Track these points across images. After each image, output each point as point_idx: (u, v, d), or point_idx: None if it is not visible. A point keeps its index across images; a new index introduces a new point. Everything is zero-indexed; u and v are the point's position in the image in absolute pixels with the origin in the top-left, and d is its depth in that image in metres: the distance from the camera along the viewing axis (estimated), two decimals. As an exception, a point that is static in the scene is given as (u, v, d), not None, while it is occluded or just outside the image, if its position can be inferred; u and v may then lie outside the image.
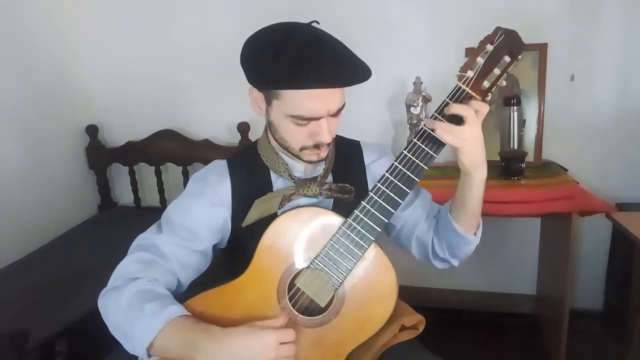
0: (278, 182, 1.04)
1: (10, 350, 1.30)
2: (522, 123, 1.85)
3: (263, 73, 0.89)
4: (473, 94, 0.89)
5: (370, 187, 0.97)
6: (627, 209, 1.84)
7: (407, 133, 2.00)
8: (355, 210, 0.91)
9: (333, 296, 0.94)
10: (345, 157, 1.09)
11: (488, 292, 2.27)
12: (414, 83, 1.92)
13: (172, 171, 2.37)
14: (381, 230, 0.91)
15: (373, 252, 0.93)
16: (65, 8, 2.22)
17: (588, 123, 1.96)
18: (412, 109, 1.91)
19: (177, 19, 2.22)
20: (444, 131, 0.87)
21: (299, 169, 1.04)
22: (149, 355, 0.88)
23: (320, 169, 1.04)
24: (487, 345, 2.05)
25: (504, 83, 0.91)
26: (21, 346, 1.32)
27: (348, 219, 0.92)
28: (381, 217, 0.91)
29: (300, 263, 0.94)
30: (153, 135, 2.28)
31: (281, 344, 0.85)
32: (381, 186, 0.91)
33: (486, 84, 0.89)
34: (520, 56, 0.90)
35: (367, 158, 1.11)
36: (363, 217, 0.91)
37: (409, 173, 0.91)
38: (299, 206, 0.98)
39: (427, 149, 0.90)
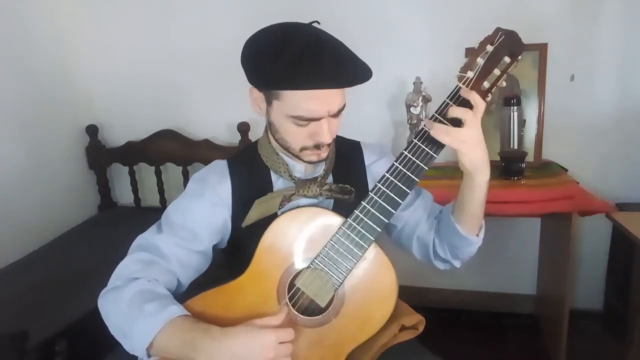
0: (278, 183, 1.04)
1: (10, 350, 1.30)
2: (522, 123, 1.85)
3: (263, 73, 0.89)
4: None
5: (370, 187, 0.97)
6: (627, 209, 1.84)
7: (407, 133, 2.00)
8: (355, 211, 0.91)
9: (333, 296, 0.94)
10: (346, 157, 1.09)
11: (488, 292, 2.27)
12: (414, 83, 1.92)
13: (172, 171, 2.37)
14: (381, 231, 0.91)
15: (373, 252, 0.94)
16: (65, 8, 2.22)
17: (588, 123, 1.96)
18: (412, 109, 1.91)
19: (177, 19, 2.22)
20: (440, 133, 0.87)
21: (299, 170, 1.04)
22: (149, 355, 0.88)
23: (320, 170, 1.04)
24: (487, 345, 2.05)
25: (504, 84, 0.91)
26: (21, 346, 1.32)
27: (348, 219, 0.92)
28: (381, 217, 0.91)
29: (300, 263, 0.94)
30: (153, 135, 2.28)
31: (280, 343, 0.85)
32: (381, 186, 0.91)
33: (486, 84, 0.89)
34: (520, 57, 0.90)
35: (368, 158, 1.11)
36: (363, 217, 0.91)
37: (409, 173, 0.91)
38: (299, 206, 0.98)
39: (427, 149, 0.90)
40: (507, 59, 0.89)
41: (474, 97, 0.87)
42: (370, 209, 0.91)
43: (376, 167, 1.09)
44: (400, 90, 2.02)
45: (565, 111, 1.95)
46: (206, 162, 1.13)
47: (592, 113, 1.95)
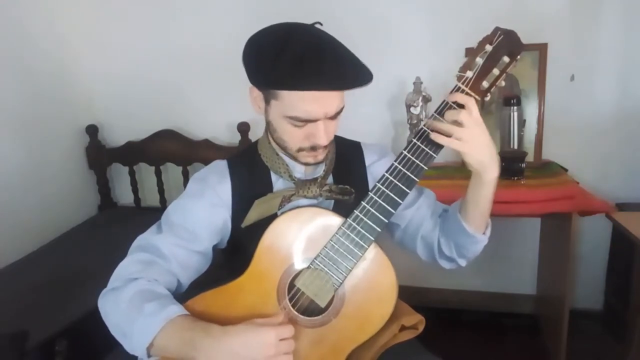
0: (278, 183, 1.04)
1: (10, 350, 1.30)
2: (522, 123, 1.85)
3: (262, 73, 0.90)
4: (472, 94, 0.89)
5: (371, 188, 0.97)
6: (627, 209, 1.84)
7: (407, 133, 2.00)
8: (355, 211, 0.91)
9: (333, 296, 0.94)
10: (346, 158, 1.09)
11: (488, 292, 2.27)
12: (414, 83, 1.92)
13: (172, 171, 2.37)
14: (381, 231, 0.91)
15: (373, 252, 0.93)
16: (65, 8, 2.22)
17: (588, 123, 1.96)
18: (412, 109, 1.91)
19: (177, 19, 2.22)
20: (440, 136, 0.88)
21: (300, 170, 1.04)
22: (149, 355, 0.88)
23: (320, 170, 1.04)
24: (487, 345, 2.05)
25: (503, 83, 0.92)
26: (21, 346, 1.32)
27: (348, 219, 0.92)
28: (381, 217, 0.91)
29: (300, 263, 0.94)
30: (153, 135, 2.28)
31: (280, 340, 0.85)
32: (381, 186, 0.91)
33: (485, 84, 0.89)
34: (519, 56, 0.90)
35: (368, 159, 1.11)
36: (363, 217, 0.91)
37: (408, 173, 0.91)
38: (298, 207, 0.98)
39: (426, 149, 0.90)
40: (506, 59, 0.89)
41: (460, 97, 0.88)
42: (370, 209, 0.91)
43: (377, 168, 1.09)
44: (400, 90, 2.02)
45: (565, 111, 1.95)
46: (206, 162, 1.13)
47: (592, 113, 1.95)
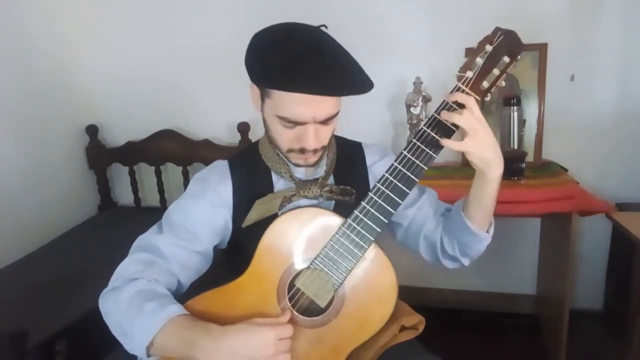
0: (279, 183, 1.04)
1: (10, 350, 1.30)
2: (522, 123, 1.85)
3: (256, 70, 0.90)
4: (472, 94, 0.89)
5: (372, 188, 0.97)
6: (627, 209, 1.84)
7: (407, 133, 2.00)
8: (355, 211, 0.91)
9: (333, 297, 0.94)
10: (347, 158, 1.09)
11: (488, 292, 2.27)
12: (414, 83, 1.92)
13: (172, 171, 2.37)
14: (381, 231, 0.91)
15: (373, 253, 0.93)
16: (65, 8, 2.22)
17: (588, 123, 1.96)
18: (412, 109, 1.91)
19: (177, 19, 2.22)
20: (449, 141, 0.88)
21: (300, 170, 1.03)
22: (148, 355, 0.88)
23: (321, 171, 1.04)
24: (487, 345, 2.05)
25: (503, 83, 0.92)
26: (21, 346, 1.32)
27: (348, 220, 0.92)
28: (381, 217, 0.91)
29: (300, 263, 0.94)
30: (153, 135, 2.28)
31: (279, 340, 0.85)
32: (381, 186, 0.91)
33: (485, 84, 0.89)
34: (519, 56, 0.90)
35: (369, 159, 1.11)
36: (363, 217, 0.91)
37: (408, 173, 0.91)
38: (299, 207, 0.98)
39: (427, 149, 0.90)
40: (506, 59, 0.89)
41: (460, 97, 0.88)
42: (370, 209, 0.91)
43: (378, 168, 1.09)
44: (400, 90, 2.02)
45: (565, 111, 1.95)
46: (206, 162, 1.13)
47: (592, 113, 1.95)
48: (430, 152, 0.90)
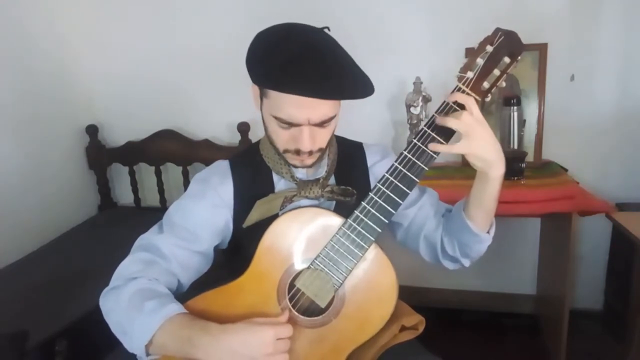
0: (280, 183, 1.04)
1: (10, 350, 1.30)
2: (522, 123, 1.85)
3: (256, 69, 0.90)
4: (473, 94, 0.89)
5: (373, 188, 0.97)
6: (627, 209, 1.84)
7: (407, 133, 2.00)
8: (355, 211, 0.91)
9: (333, 297, 0.94)
10: (348, 158, 1.09)
11: (488, 292, 2.27)
12: (414, 83, 1.92)
13: (172, 171, 2.37)
14: (381, 231, 0.91)
15: (373, 253, 0.93)
16: (65, 8, 2.22)
17: (588, 123, 1.96)
18: (412, 109, 1.91)
19: (177, 19, 2.22)
20: (439, 146, 0.88)
21: (301, 171, 1.03)
22: (148, 354, 0.88)
23: (322, 171, 1.04)
24: (487, 345, 2.05)
25: (504, 84, 0.92)
26: (21, 346, 1.32)
27: (348, 220, 0.92)
28: (381, 217, 0.91)
29: (300, 264, 0.94)
30: (153, 135, 2.28)
31: (278, 339, 0.85)
32: (381, 187, 0.91)
33: (486, 84, 0.89)
34: (519, 57, 0.90)
35: (370, 159, 1.11)
36: (363, 217, 0.91)
37: (409, 174, 0.91)
38: (299, 207, 0.98)
39: (427, 149, 0.90)
40: (506, 59, 0.89)
41: (459, 97, 0.88)
42: (370, 209, 0.91)
43: (379, 168, 1.09)
44: (400, 90, 2.02)
45: (565, 111, 1.95)
46: (206, 162, 1.13)
47: (592, 113, 1.95)
48: (431, 153, 0.90)
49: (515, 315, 2.22)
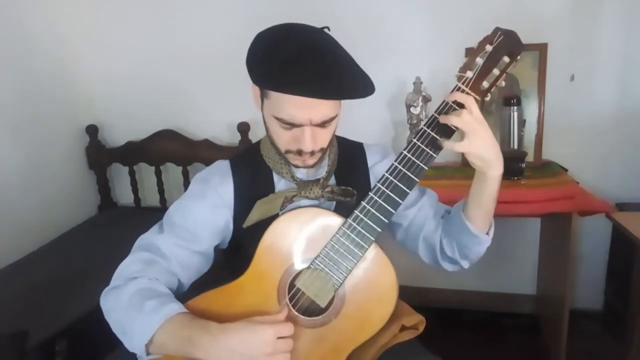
0: (280, 184, 1.04)
1: (10, 350, 1.30)
2: (522, 123, 1.85)
3: (256, 70, 0.90)
4: (472, 94, 0.89)
5: (373, 189, 0.97)
6: (627, 209, 1.84)
7: (407, 133, 2.00)
8: (355, 211, 0.91)
9: (333, 297, 0.94)
10: (349, 159, 1.09)
11: (488, 292, 2.27)
12: (414, 83, 1.92)
13: (172, 171, 2.37)
14: (381, 231, 0.91)
15: (373, 252, 0.93)
16: (65, 8, 2.22)
17: (588, 123, 1.96)
18: (412, 109, 1.91)
19: (177, 19, 2.22)
20: (449, 142, 0.88)
21: (302, 171, 1.03)
22: (148, 353, 0.88)
23: (323, 171, 1.04)
24: (487, 345, 2.06)
25: (503, 83, 0.92)
26: (21, 346, 1.32)
27: (348, 219, 0.92)
28: (381, 217, 0.91)
29: (300, 263, 0.94)
30: (153, 135, 2.28)
31: (279, 338, 0.85)
32: (381, 186, 0.91)
33: (485, 84, 0.89)
34: (519, 57, 0.90)
35: (371, 160, 1.11)
36: (363, 217, 0.91)
37: (409, 173, 0.91)
38: (299, 207, 0.98)
39: (427, 149, 0.90)
40: (506, 59, 0.89)
41: (459, 97, 0.87)
42: (370, 209, 0.91)
43: (379, 169, 1.08)
44: (400, 90, 2.02)
45: (565, 111, 1.95)
46: (206, 162, 1.13)
47: (592, 113, 1.95)
48: (431, 152, 0.90)
49: (515, 315, 2.22)
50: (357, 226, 0.91)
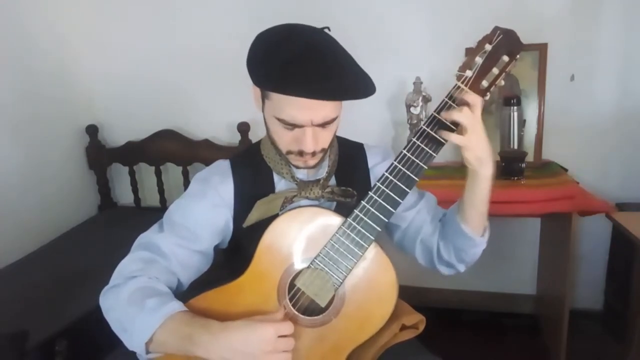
0: (280, 184, 1.04)
1: (10, 350, 1.30)
2: (522, 123, 1.85)
3: (256, 71, 0.90)
4: (472, 93, 0.89)
5: (373, 190, 0.97)
6: (627, 209, 1.84)
7: (407, 133, 2.00)
8: (355, 210, 0.91)
9: (333, 296, 0.94)
10: (349, 159, 1.09)
11: (488, 292, 2.27)
12: (414, 83, 1.92)
13: (172, 171, 2.37)
14: (381, 230, 0.91)
15: (373, 252, 0.93)
16: (65, 8, 2.22)
17: (588, 123, 1.96)
18: (412, 109, 1.91)
19: (177, 19, 2.22)
20: (444, 132, 0.88)
21: (302, 171, 1.03)
22: (147, 352, 0.88)
23: (323, 172, 1.04)
24: (487, 345, 2.05)
25: (503, 82, 0.92)
26: (21, 346, 1.32)
27: (348, 219, 0.92)
28: (381, 216, 0.91)
29: (300, 263, 0.94)
30: (153, 135, 2.28)
31: (279, 337, 0.85)
32: (381, 186, 0.91)
33: (485, 83, 0.89)
34: (518, 56, 0.90)
35: (371, 161, 1.11)
36: (363, 216, 0.91)
37: (408, 173, 0.91)
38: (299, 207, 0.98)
39: (426, 148, 0.90)
40: (505, 58, 0.89)
41: (469, 97, 0.88)
42: (370, 208, 0.91)
43: (379, 170, 1.08)
44: (400, 90, 2.02)
45: (565, 111, 1.95)
46: (206, 162, 1.13)
47: (592, 113, 1.95)
48: (430, 152, 0.90)
49: (515, 315, 2.22)
50: (357, 225, 0.91)
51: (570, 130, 1.97)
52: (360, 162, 1.10)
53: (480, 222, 1.01)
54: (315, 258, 0.93)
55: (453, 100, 0.89)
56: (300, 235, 0.94)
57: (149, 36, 2.25)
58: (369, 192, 0.92)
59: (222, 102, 2.21)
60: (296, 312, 0.94)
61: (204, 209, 1.00)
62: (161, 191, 2.36)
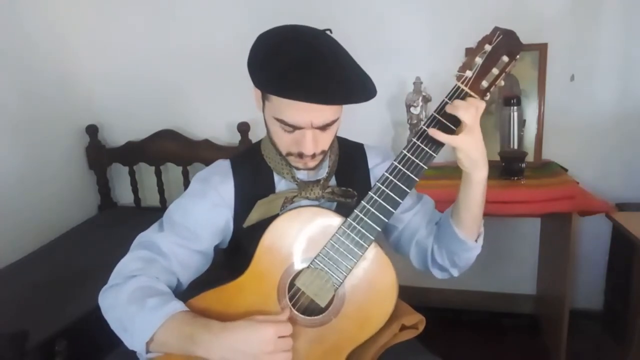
0: (281, 184, 1.04)
1: (10, 350, 1.30)
2: (522, 123, 1.85)
3: (257, 73, 0.90)
4: (472, 93, 0.89)
5: (373, 190, 0.97)
6: (627, 209, 1.84)
7: (407, 133, 2.00)
8: (355, 210, 0.91)
9: (333, 296, 0.94)
10: (349, 160, 1.09)
11: (488, 292, 2.27)
12: (414, 83, 1.92)
13: (172, 171, 2.37)
14: (381, 230, 0.91)
15: (373, 252, 0.94)
16: (65, 8, 2.22)
17: (588, 123, 1.96)
18: (412, 109, 1.91)
19: (177, 19, 2.22)
20: (438, 133, 0.87)
21: (302, 171, 1.03)
22: (147, 351, 0.88)
23: (323, 172, 1.04)
24: (487, 345, 2.06)
25: (503, 83, 0.91)
26: (21, 346, 1.32)
27: (348, 219, 0.92)
28: (381, 216, 0.91)
29: (300, 263, 0.94)
30: (153, 135, 2.29)
31: (279, 337, 0.85)
32: (381, 186, 0.91)
33: (485, 83, 0.89)
34: (518, 56, 0.90)
35: (371, 161, 1.11)
36: (363, 216, 0.91)
37: (408, 173, 0.91)
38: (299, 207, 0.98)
39: (426, 148, 0.90)
40: (505, 58, 0.89)
41: (473, 102, 0.87)
42: (370, 208, 0.91)
43: (380, 170, 1.08)
44: (400, 90, 2.02)
45: (565, 111, 1.95)
46: (206, 162, 1.13)
47: (592, 113, 1.95)
48: (430, 152, 0.90)
49: (515, 315, 2.22)
50: (357, 225, 0.91)
51: (570, 130, 1.97)
52: (361, 163, 1.10)
53: (474, 226, 1.00)
54: (315, 258, 0.93)
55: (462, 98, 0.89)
56: (301, 235, 0.94)
57: (149, 36, 2.25)
58: (369, 192, 0.92)
59: (222, 102, 2.21)
60: (296, 312, 0.94)
61: (204, 208, 1.00)
62: (161, 191, 2.36)
